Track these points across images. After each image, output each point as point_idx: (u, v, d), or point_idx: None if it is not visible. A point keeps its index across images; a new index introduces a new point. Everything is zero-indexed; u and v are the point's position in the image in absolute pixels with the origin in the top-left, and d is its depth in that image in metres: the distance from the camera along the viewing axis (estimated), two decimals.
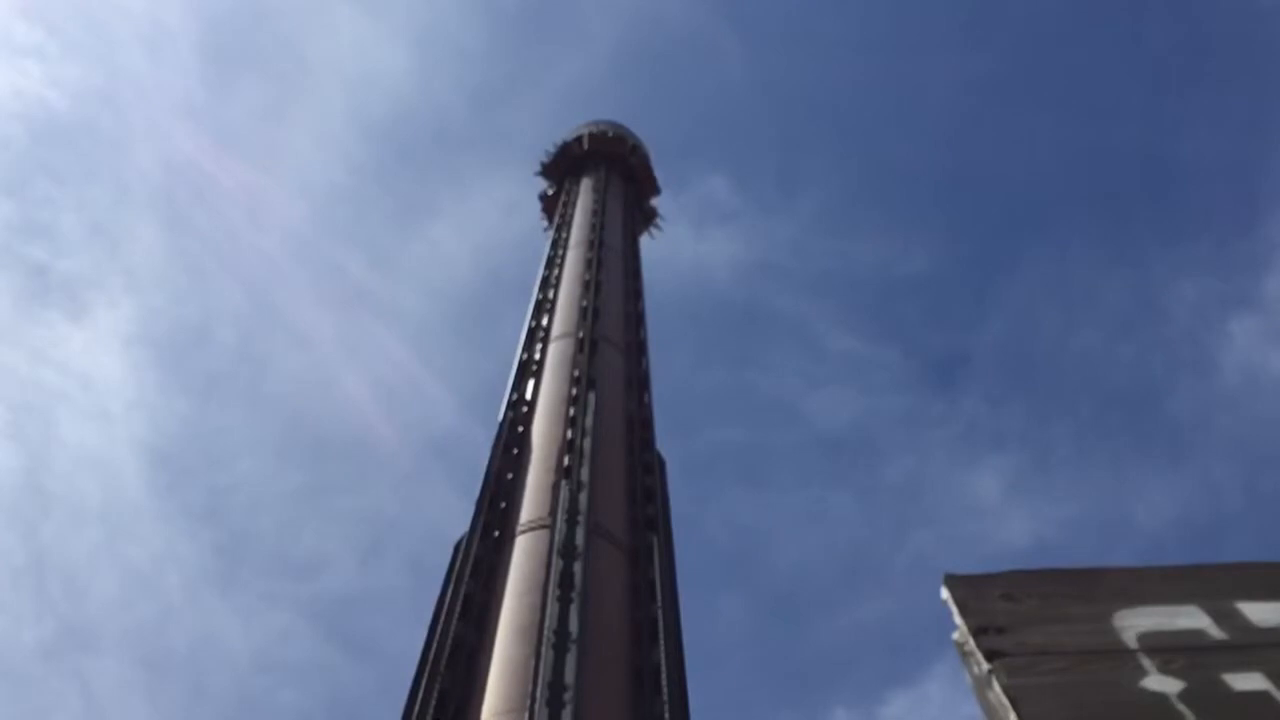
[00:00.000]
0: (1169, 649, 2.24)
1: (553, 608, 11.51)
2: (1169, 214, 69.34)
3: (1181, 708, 2.10)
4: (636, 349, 20.85)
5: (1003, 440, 67.32)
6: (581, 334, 19.36)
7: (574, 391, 17.23)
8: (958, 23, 76.20)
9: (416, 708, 11.21)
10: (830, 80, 79.18)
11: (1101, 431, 62.95)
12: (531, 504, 14.47)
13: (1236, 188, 69.48)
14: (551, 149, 33.60)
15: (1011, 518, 61.37)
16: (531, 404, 17.74)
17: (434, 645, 12.07)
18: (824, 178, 77.95)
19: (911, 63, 78.80)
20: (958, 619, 2.39)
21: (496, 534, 14.19)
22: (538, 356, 19.51)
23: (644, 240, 30.31)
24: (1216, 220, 67.92)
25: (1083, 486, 64.44)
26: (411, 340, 71.63)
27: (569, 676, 10.53)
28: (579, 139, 33.29)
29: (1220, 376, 64.21)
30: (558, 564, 12.28)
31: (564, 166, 32.83)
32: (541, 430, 16.60)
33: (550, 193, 32.55)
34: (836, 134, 79.19)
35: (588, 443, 15.24)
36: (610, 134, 33.47)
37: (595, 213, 26.97)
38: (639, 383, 19.48)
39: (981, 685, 2.24)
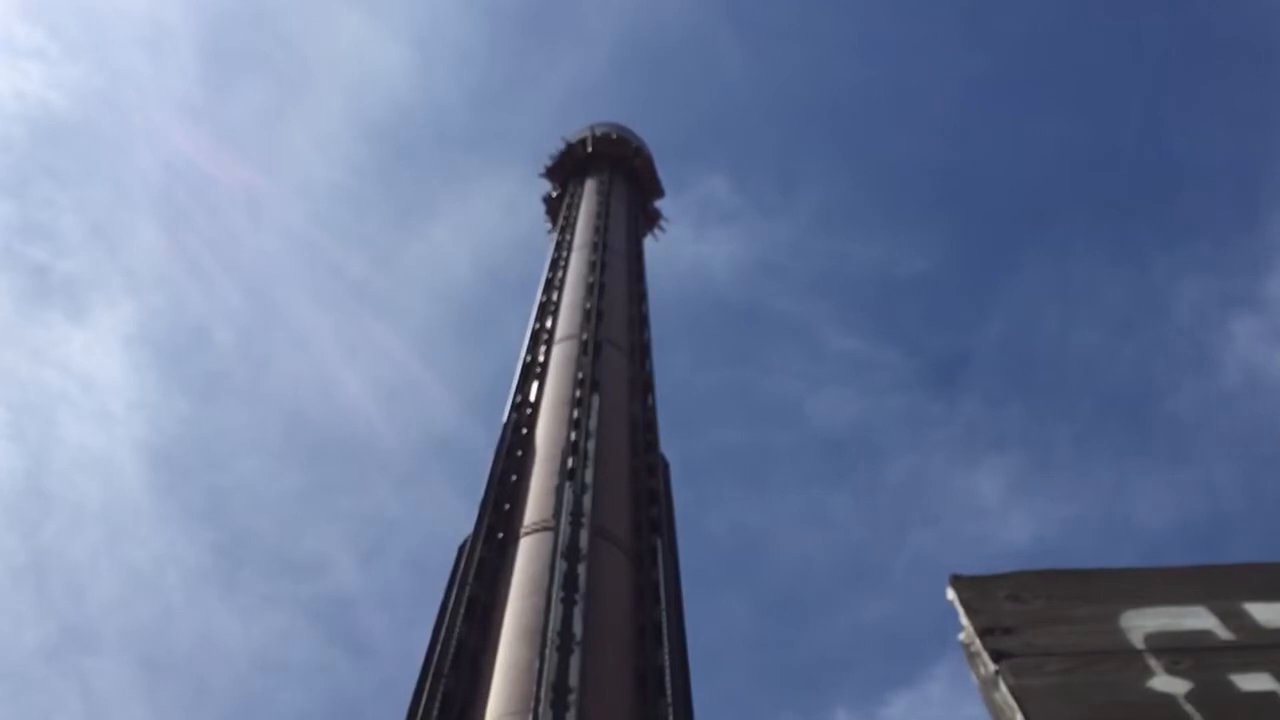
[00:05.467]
0: (1176, 649, 2.24)
1: (556, 610, 11.52)
2: (1169, 213, 69.31)
3: (1189, 708, 2.10)
4: (640, 351, 20.88)
5: (1003, 440, 67.30)
6: (585, 336, 19.38)
7: (578, 394, 17.25)
8: (958, 22, 76.21)
9: (420, 710, 11.22)
10: (830, 80, 79.17)
11: (1102, 431, 62.97)
12: (535, 506, 14.48)
13: (1237, 187, 69.40)
14: (553, 150, 33.64)
15: (1012, 518, 61.37)
16: (535, 406, 17.76)
17: (438, 647, 12.09)
18: (824, 178, 77.92)
19: (911, 62, 78.78)
20: (964, 620, 2.39)
21: (500, 536, 14.21)
22: (541, 358, 19.53)
23: (645, 241, 30.34)
24: (1217, 219, 67.86)
25: (1083, 486, 64.41)
26: (412, 340, 71.67)
27: (573, 679, 10.54)
28: (583, 141, 33.30)
29: (1221, 376, 64.19)
30: (561, 566, 12.29)
31: (568, 168, 32.85)
32: (545, 432, 16.62)
33: (554, 194, 32.58)
34: (836, 134, 79.16)
35: (591, 445, 15.26)
36: (614, 136, 33.48)
37: (599, 215, 27.00)
38: (642, 385, 19.51)
39: (988, 686, 2.24)
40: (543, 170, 33.50)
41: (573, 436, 15.73)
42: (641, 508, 15.35)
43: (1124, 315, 66.54)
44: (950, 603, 2.45)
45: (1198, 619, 2.32)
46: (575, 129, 34.23)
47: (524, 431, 16.96)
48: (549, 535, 13.31)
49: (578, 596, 11.76)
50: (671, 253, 57.81)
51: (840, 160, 78.60)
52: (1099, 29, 75.78)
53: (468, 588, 12.98)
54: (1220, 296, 67.83)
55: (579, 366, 18.28)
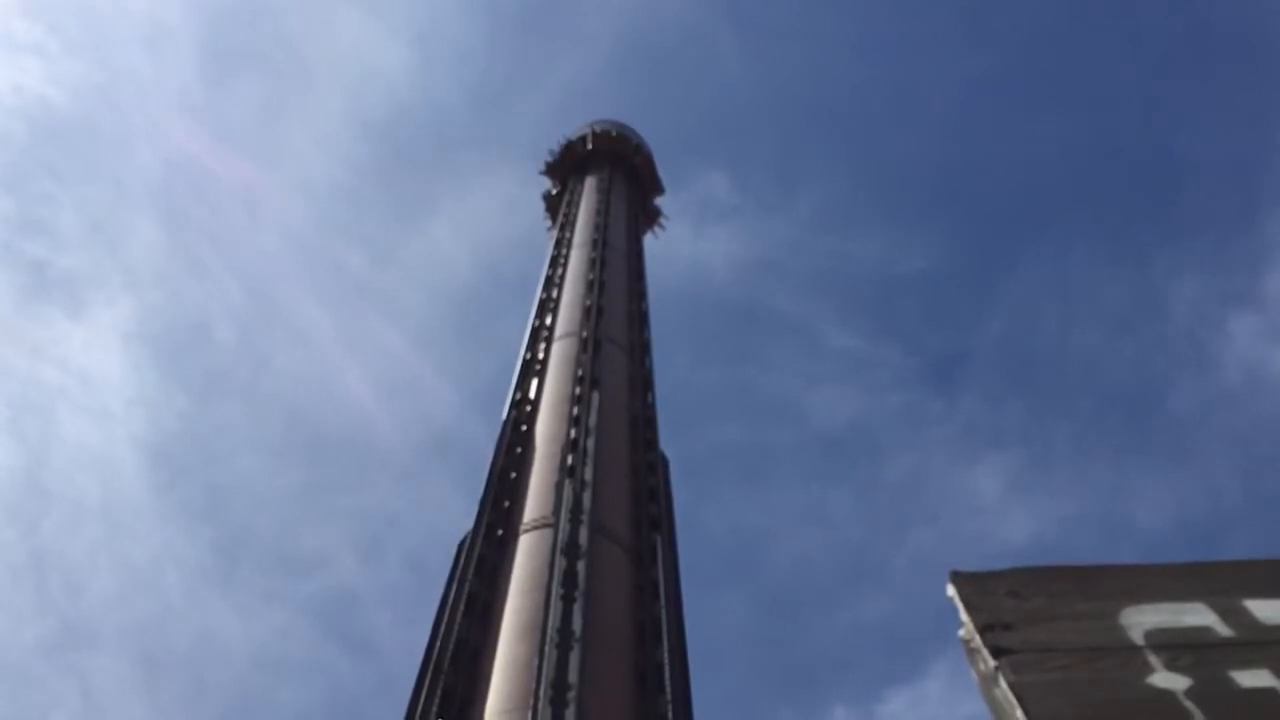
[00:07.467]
0: (1176, 646, 2.24)
1: (556, 607, 11.51)
2: (1169, 212, 69.34)
3: (1189, 704, 2.10)
4: (640, 349, 20.87)
5: (1002, 438, 67.30)
6: (585, 333, 19.37)
7: (577, 391, 17.23)
8: (958, 22, 76.21)
9: (420, 706, 11.22)
10: (829, 78, 79.19)
11: (1101, 430, 62.97)
12: (535, 503, 14.47)
13: (1237, 185, 69.40)
14: (553, 148, 33.60)
15: (1011, 516, 61.41)
16: (535, 403, 17.75)
17: (437, 644, 12.08)
18: (823, 175, 78.00)
19: (911, 61, 78.82)
20: (964, 616, 2.39)
21: (500, 533, 14.20)
22: (541, 355, 19.52)
23: (645, 239, 30.29)
24: (1217, 218, 67.87)
25: (1083, 485, 64.47)
26: (412, 338, 71.79)
27: (572, 675, 10.53)
28: (583, 138, 33.26)
29: (1220, 375, 64.22)
30: (561, 563, 12.28)
31: (568, 166, 32.81)
32: (545, 429, 16.61)
33: (554, 192, 32.54)
34: (836, 132, 79.27)
35: (591, 442, 15.24)
36: (614, 133, 33.44)
37: (599, 212, 26.96)
38: (642, 382, 19.50)
39: (988, 682, 2.24)
40: (543, 167, 33.47)
41: (572, 434, 15.72)
42: (641, 505, 15.34)
43: (1124, 314, 66.61)
44: (950, 599, 2.45)
45: (1197, 616, 2.32)
46: (575, 127, 34.23)
47: (524, 428, 16.94)
48: (549, 532, 13.30)
49: (577, 594, 11.76)
50: (671, 250, 57.85)
51: (840, 159, 78.68)
52: (1099, 28, 75.86)
53: (467, 584, 12.97)
54: (1219, 295, 67.88)
55: (579, 364, 18.26)
